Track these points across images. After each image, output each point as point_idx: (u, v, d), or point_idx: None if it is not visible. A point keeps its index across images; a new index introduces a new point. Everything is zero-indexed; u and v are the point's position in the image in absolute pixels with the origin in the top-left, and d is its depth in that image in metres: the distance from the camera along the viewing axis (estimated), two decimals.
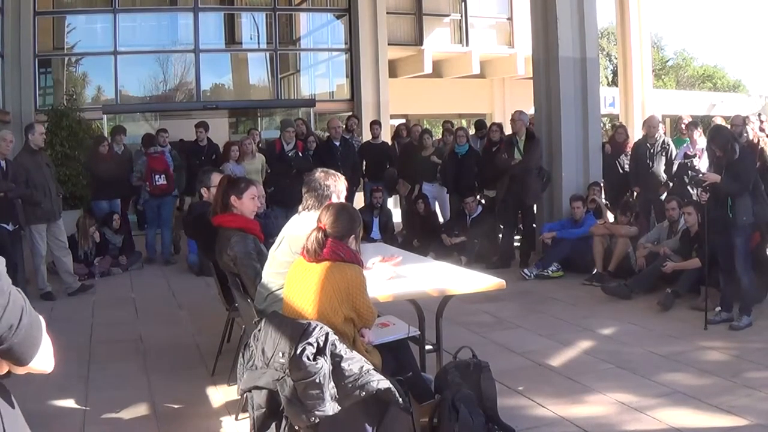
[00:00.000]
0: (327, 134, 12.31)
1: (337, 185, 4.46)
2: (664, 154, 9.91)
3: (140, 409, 5.01)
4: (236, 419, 4.71)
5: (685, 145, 10.30)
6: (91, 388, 5.45)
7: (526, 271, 9.21)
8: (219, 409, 5.00)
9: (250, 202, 5.10)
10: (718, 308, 6.73)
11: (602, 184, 10.40)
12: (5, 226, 7.87)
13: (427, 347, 4.79)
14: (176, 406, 5.07)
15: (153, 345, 6.63)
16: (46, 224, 8.58)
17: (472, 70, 20.88)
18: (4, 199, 7.90)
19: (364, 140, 12.66)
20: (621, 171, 10.54)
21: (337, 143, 11.51)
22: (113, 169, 10.91)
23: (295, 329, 3.40)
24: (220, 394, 5.24)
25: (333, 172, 4.56)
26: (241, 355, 3.76)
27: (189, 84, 17.45)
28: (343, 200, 4.43)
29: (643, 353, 5.95)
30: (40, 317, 1.76)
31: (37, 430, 4.56)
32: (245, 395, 3.74)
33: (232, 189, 5.10)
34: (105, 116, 14.91)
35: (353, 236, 3.80)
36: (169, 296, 8.82)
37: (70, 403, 5.15)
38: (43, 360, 1.76)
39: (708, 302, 6.70)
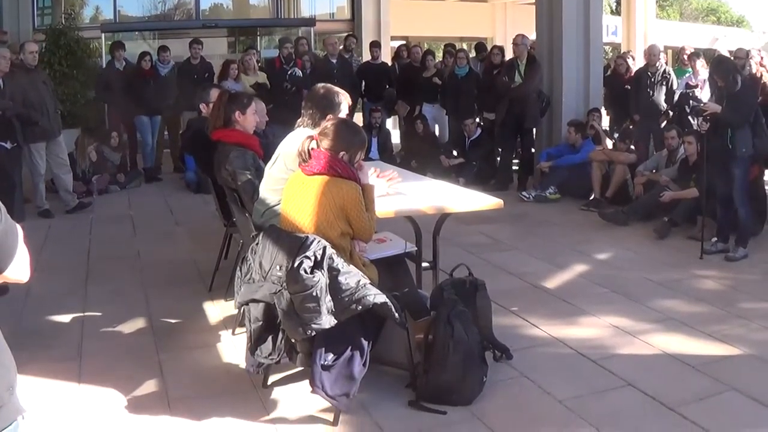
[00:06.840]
0: (324, 53, 12.21)
1: (340, 102, 4.36)
2: (664, 83, 9.87)
3: (137, 324, 5.07)
4: (233, 334, 4.76)
5: (687, 75, 10.24)
6: (88, 304, 5.50)
7: (524, 193, 9.27)
8: (216, 324, 5.06)
9: (252, 118, 5.05)
10: (714, 239, 6.76)
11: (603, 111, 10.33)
12: (3, 144, 7.82)
13: (424, 265, 4.78)
14: (173, 321, 5.12)
15: (150, 262, 6.67)
16: (46, 142, 8.52)
17: None
18: (1, 118, 7.83)
19: (364, 60, 12.53)
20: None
21: (334, 61, 11.45)
22: (156, 85, 10.84)
23: (292, 243, 3.40)
24: (217, 310, 5.29)
25: (337, 89, 4.45)
26: (238, 268, 3.76)
27: (188, 2, 17.13)
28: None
29: (638, 279, 5.99)
30: (17, 226, 1.71)
31: (35, 346, 4.63)
32: (242, 309, 3.75)
33: (235, 104, 5.02)
34: (103, 35, 14.67)
35: (345, 152, 3.71)
36: (166, 213, 8.84)
37: (67, 318, 5.19)
38: (19, 269, 1.71)
39: (704, 232, 6.71)
